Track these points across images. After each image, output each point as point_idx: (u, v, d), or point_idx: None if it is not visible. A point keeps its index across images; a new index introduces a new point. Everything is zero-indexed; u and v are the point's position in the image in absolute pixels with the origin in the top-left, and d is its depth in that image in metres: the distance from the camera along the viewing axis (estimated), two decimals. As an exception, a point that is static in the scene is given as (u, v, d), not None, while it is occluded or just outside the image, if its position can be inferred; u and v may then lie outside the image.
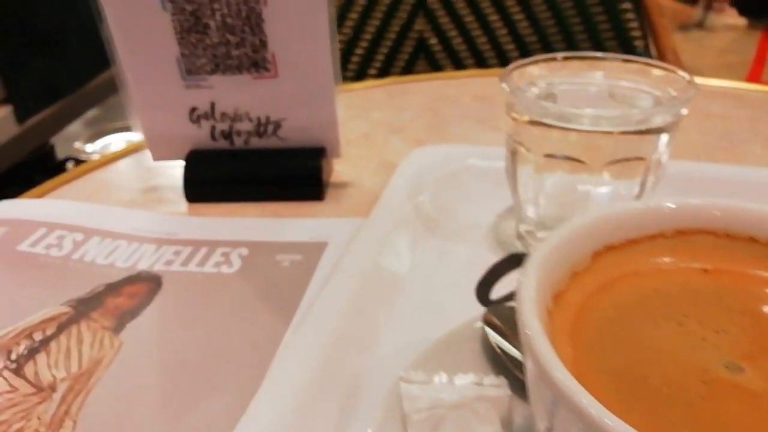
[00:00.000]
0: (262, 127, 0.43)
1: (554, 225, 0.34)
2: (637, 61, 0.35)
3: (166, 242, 0.37)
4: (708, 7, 3.39)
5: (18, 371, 0.28)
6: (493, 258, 0.35)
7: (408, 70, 0.99)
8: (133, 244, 0.37)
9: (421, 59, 0.99)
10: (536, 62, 0.36)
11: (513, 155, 0.34)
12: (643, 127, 0.30)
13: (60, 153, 1.52)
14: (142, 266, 0.35)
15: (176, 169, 0.44)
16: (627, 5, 0.91)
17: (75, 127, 1.52)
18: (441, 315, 0.30)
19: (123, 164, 0.49)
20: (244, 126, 0.43)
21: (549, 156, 0.32)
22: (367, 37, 0.98)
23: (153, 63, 0.41)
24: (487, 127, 0.53)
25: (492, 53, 0.96)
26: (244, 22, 0.39)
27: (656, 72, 0.34)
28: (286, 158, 0.43)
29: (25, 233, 0.38)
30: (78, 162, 1.41)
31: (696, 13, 3.41)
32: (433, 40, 0.98)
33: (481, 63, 0.96)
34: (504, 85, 0.33)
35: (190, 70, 0.41)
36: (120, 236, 0.38)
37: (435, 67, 0.98)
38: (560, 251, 0.19)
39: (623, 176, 0.31)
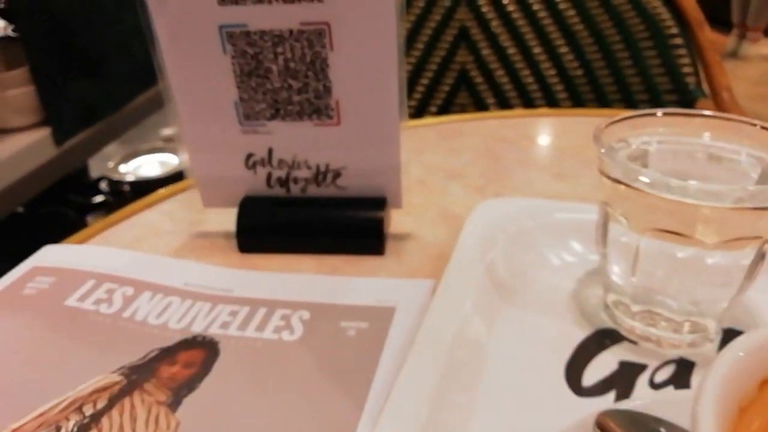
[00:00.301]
0: (320, 175, 0.40)
1: (647, 298, 0.31)
2: (736, 120, 0.32)
3: (222, 300, 0.35)
4: (742, 36, 3.33)
5: (68, 453, 0.26)
6: (578, 333, 0.32)
7: (449, 101, 0.96)
8: (186, 302, 0.35)
9: (463, 91, 0.97)
10: (630, 118, 0.33)
11: (605, 220, 0.31)
12: (760, 204, 0.27)
13: (94, 172, 1.53)
14: (197, 328, 0.33)
15: (228, 213, 0.42)
16: (678, 40, 0.88)
17: (109, 146, 1.53)
18: (530, 402, 0.27)
19: (170, 206, 0.47)
20: (302, 173, 0.40)
21: (650, 229, 0.29)
22: (408, 68, 0.96)
23: (209, 106, 0.39)
24: (549, 175, 0.50)
25: (536, 86, 0.94)
26: (308, 68, 0.37)
27: (758, 132, 0.31)
28: (345, 209, 0.40)
29: (74, 285, 0.36)
30: (111, 182, 1.41)
31: (730, 42, 3.36)
32: (475, 72, 0.96)
33: (525, 96, 0.94)
34: (598, 145, 0.31)
35: (249, 115, 0.39)
36: (172, 291, 0.36)
37: (477, 99, 0.96)
38: (748, 361, 0.16)
39: (734, 248, 0.28)
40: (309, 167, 0.40)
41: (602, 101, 0.91)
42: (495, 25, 0.93)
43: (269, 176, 0.41)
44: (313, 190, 0.41)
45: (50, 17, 1.00)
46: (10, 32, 1.23)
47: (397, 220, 0.43)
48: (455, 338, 0.29)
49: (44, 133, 1.01)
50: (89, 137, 1.10)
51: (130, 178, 1.39)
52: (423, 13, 0.94)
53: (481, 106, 0.96)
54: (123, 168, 1.43)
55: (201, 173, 0.41)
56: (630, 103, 0.91)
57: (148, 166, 1.47)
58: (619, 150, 0.32)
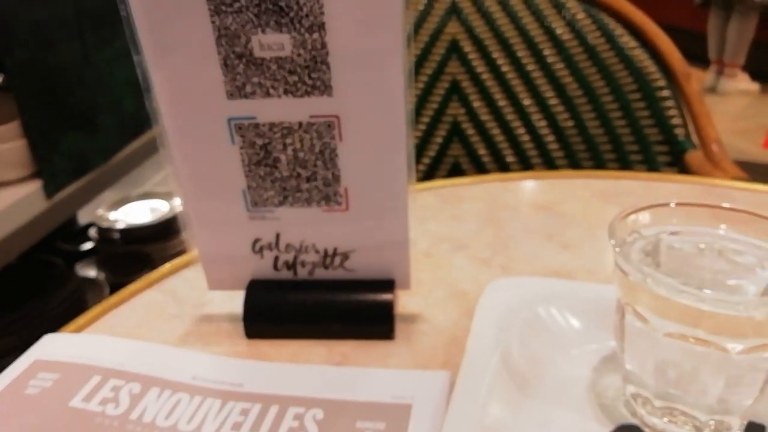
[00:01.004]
0: (328, 259, 0.40)
1: (669, 394, 0.31)
2: (751, 213, 0.32)
3: (232, 396, 0.34)
4: (720, 72, 3.42)
5: None
6: (598, 429, 0.31)
7: (442, 153, 0.97)
8: (195, 399, 0.34)
9: (455, 143, 0.98)
10: (644, 209, 0.33)
11: (622, 316, 0.31)
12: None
13: (82, 219, 1.51)
14: (208, 430, 0.32)
15: (233, 295, 0.41)
16: (666, 92, 0.90)
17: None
18: None
19: (173, 284, 0.46)
20: (310, 257, 0.40)
21: (669, 333, 0.29)
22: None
23: (217, 192, 0.38)
24: (556, 244, 0.50)
25: (527, 137, 0.95)
26: (317, 157, 0.37)
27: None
28: (354, 292, 0.40)
29: (78, 383, 0.35)
30: (101, 230, 1.39)
31: (708, 77, 3.44)
32: (467, 124, 0.97)
33: (517, 146, 0.95)
34: (613, 242, 0.31)
35: (256, 202, 0.38)
36: (181, 387, 0.35)
37: (469, 150, 0.97)
38: None
39: (757, 352, 0.28)
40: (317, 251, 0.40)
41: (593, 151, 0.93)
42: (486, 78, 0.94)
43: (276, 260, 0.40)
44: (320, 273, 0.41)
45: (43, 70, 1.00)
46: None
47: (405, 300, 0.43)
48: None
49: (35, 186, 0.99)
50: (79, 188, 1.09)
51: (120, 225, 1.37)
52: (415, 66, 0.95)
53: (473, 157, 0.96)
54: (113, 215, 1.42)
55: (206, 256, 0.41)
56: (620, 153, 0.92)
57: (137, 212, 1.45)
58: (633, 243, 0.32)
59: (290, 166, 0.37)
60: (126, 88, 1.19)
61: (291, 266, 0.40)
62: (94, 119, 1.12)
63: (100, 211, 1.44)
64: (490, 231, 0.53)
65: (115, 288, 1.29)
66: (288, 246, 0.40)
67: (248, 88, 0.34)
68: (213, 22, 0.33)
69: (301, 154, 0.37)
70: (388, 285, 0.40)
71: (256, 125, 0.36)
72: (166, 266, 0.48)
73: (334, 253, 0.40)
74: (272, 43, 0.32)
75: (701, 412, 0.30)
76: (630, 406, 0.33)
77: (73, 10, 1.06)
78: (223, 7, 0.32)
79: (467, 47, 0.93)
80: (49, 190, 1.02)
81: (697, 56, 3.24)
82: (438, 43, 0.94)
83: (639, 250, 0.32)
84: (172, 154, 0.37)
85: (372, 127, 0.35)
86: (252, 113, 0.35)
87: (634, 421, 0.32)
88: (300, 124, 0.35)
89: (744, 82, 3.41)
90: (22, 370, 0.36)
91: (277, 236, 0.39)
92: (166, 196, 1.51)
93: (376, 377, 0.35)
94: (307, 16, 0.32)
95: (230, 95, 0.35)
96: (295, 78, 0.34)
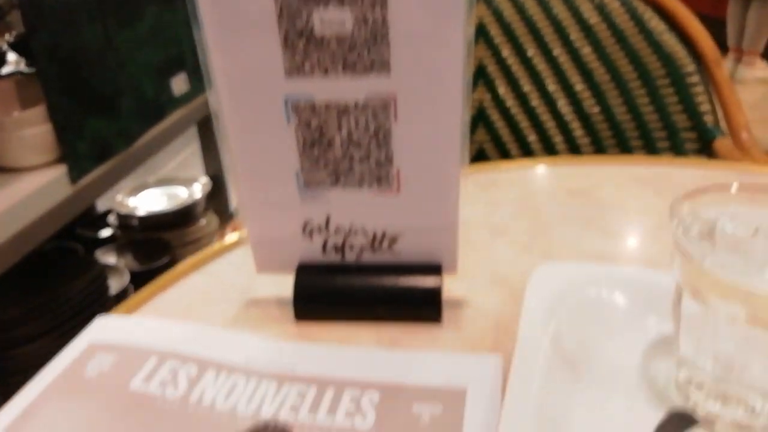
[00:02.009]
0: (377, 242, 0.40)
1: (724, 380, 0.31)
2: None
3: (288, 379, 0.34)
4: (738, 60, 3.37)
5: None
6: (650, 414, 0.31)
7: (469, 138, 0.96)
8: (251, 381, 0.34)
9: (480, 128, 0.97)
10: (705, 191, 0.33)
11: (679, 298, 0.31)
12: None
13: (101, 206, 1.52)
14: (267, 412, 0.32)
15: (278, 279, 0.41)
16: (695, 78, 0.88)
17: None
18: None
19: (218, 267, 0.46)
20: (358, 240, 0.40)
21: (728, 315, 0.28)
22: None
23: (270, 173, 0.38)
24: (594, 229, 0.50)
25: (552, 123, 0.94)
26: (371, 138, 0.36)
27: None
28: (402, 276, 0.40)
29: (136, 365, 0.35)
30: (120, 216, 1.40)
31: (726, 65, 3.40)
32: (492, 110, 0.96)
33: (542, 133, 0.94)
34: (674, 222, 0.30)
35: (309, 184, 0.38)
36: (236, 369, 0.35)
37: (494, 136, 0.96)
38: None
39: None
40: (365, 234, 0.40)
41: (619, 137, 0.92)
42: (511, 62, 0.93)
43: (325, 243, 0.40)
44: (368, 257, 0.41)
45: (67, 54, 1.00)
46: (23, 67, 1.23)
47: (449, 284, 0.43)
48: (536, 424, 0.29)
49: (60, 171, 1.00)
50: (102, 174, 1.09)
51: (139, 212, 1.37)
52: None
53: (498, 143, 0.96)
54: (131, 202, 1.42)
55: (256, 238, 0.41)
56: (647, 140, 0.91)
57: (155, 199, 1.46)
58: (692, 225, 0.32)
59: (344, 147, 0.37)
60: (145, 72, 1.19)
61: (339, 249, 0.40)
62: (115, 104, 1.12)
63: (119, 198, 1.44)
64: (527, 217, 0.52)
65: (134, 275, 1.30)
66: (338, 228, 0.40)
67: (307, 66, 0.34)
68: (275, -1, 0.32)
69: (355, 135, 0.36)
70: (435, 269, 0.40)
71: (312, 105, 0.35)
72: (210, 250, 0.48)
73: (383, 237, 0.40)
74: (333, 19, 0.32)
75: (757, 397, 0.30)
76: (683, 391, 0.32)
77: (95, -7, 1.06)
78: (285, -17, 0.32)
79: (494, 30, 0.92)
80: (74, 176, 1.02)
81: (716, 43, 3.19)
82: (465, 27, 0.93)
83: (696, 232, 0.32)
84: (226, 134, 0.37)
85: (428, 106, 0.35)
86: (309, 92, 0.35)
87: (687, 406, 0.32)
88: (356, 104, 0.35)
89: (762, 70, 3.37)
90: (78, 353, 0.36)
91: (327, 218, 0.39)
92: (185, 182, 1.52)
93: (428, 360, 0.35)
94: (368, -8, 0.32)
95: (288, 73, 0.34)
96: (354, 55, 0.33)
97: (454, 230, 0.39)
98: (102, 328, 0.38)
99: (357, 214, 0.39)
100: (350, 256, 0.41)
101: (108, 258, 1.35)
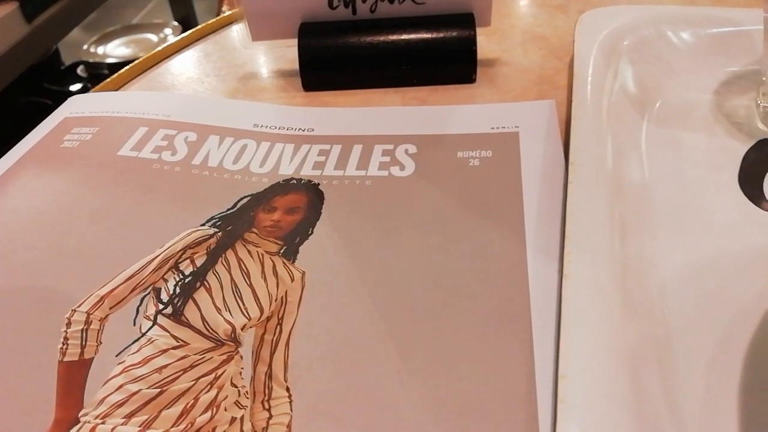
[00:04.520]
0: (394, -10, 0.33)
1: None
2: None
3: (306, 140, 0.29)
4: None
5: (178, 318, 0.21)
6: (735, 145, 0.27)
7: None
8: (263, 144, 0.29)
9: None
10: None
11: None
12: None
13: (66, 58, 1.40)
14: (286, 171, 0.27)
15: (278, 52, 0.35)
16: None
17: (75, 32, 1.39)
18: (711, 226, 0.23)
19: (203, 48, 0.40)
20: (372, -11, 0.33)
21: None
22: None
23: None
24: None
25: None
26: None
27: None
28: (427, 29, 0.34)
29: (122, 134, 0.29)
30: (89, 65, 1.29)
31: None
32: None
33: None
34: None
35: None
36: (243, 134, 0.29)
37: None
38: None
39: None
40: (380, -20, 0.33)
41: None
42: None
43: (332, -6, 0.33)
44: (384, 9, 0.34)
45: None
46: None
47: (481, 45, 0.37)
48: (607, 163, 0.24)
49: (13, 7, 0.89)
50: (58, 16, 0.98)
51: (109, 60, 1.27)
52: None
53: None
54: (101, 50, 1.31)
55: (250, 2, 0.34)
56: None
57: (123, 47, 1.34)
58: None
59: None
60: None
61: (349, 2, 0.34)
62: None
63: (86, 47, 1.33)
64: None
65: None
66: (345, -26, 0.33)
67: None
68: None
69: None
70: (466, 19, 0.34)
71: None
72: (192, 31, 0.41)
73: (401, -18, 0.33)
74: None
75: None
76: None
77: None
78: None
79: None
80: (29, 13, 0.91)
81: None
82: None
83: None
84: None
85: None
86: None
87: (776, 133, 0.27)
88: None
89: None
90: (52, 126, 0.30)
91: (333, -40, 0.32)
92: (154, 28, 1.39)
93: (467, 112, 0.30)
94: None
95: None
96: None
97: (487, -33, 0.32)
98: (79, 103, 0.32)
99: (369, -49, 0.32)
100: (363, 10, 0.34)
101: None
